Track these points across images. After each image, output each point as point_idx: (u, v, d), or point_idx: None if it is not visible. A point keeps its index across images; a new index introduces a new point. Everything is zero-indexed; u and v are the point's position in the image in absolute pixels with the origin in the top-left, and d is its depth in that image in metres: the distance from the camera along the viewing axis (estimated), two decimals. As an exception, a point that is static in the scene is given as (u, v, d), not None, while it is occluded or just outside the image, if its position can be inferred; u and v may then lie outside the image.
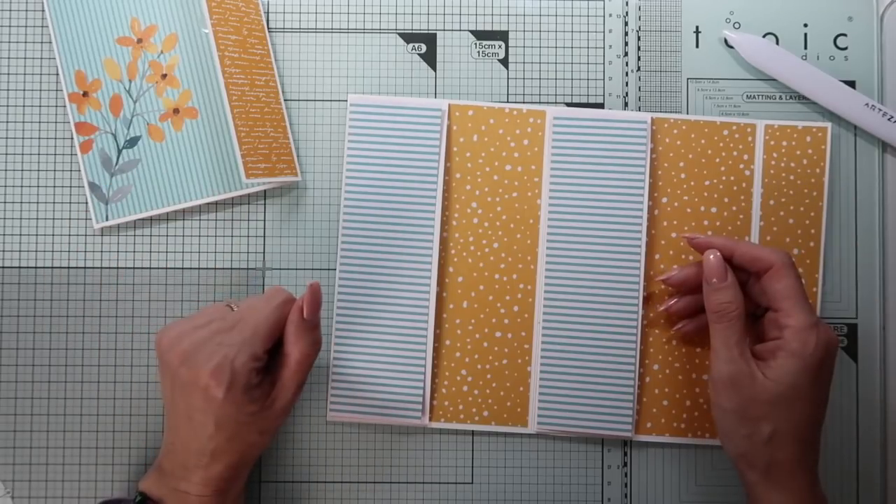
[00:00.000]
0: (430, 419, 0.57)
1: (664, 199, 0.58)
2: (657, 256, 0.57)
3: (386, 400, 0.57)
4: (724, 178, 0.57)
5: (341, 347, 0.57)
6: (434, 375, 0.57)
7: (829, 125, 0.57)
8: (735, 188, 0.57)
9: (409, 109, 0.57)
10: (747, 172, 0.58)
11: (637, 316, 0.56)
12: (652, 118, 0.57)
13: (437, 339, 0.57)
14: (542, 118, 0.58)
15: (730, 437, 0.50)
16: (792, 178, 0.57)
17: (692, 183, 0.57)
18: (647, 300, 0.57)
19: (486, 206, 0.58)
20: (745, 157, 0.57)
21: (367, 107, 0.57)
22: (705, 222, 0.57)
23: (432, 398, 0.57)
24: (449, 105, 0.58)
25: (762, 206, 0.57)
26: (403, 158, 0.57)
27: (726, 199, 0.57)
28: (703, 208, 0.57)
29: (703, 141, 0.57)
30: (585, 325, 0.56)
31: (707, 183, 0.57)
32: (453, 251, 0.57)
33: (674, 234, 0.57)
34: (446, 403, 0.57)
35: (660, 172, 0.58)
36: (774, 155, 0.57)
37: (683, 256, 0.57)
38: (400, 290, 0.57)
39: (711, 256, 0.51)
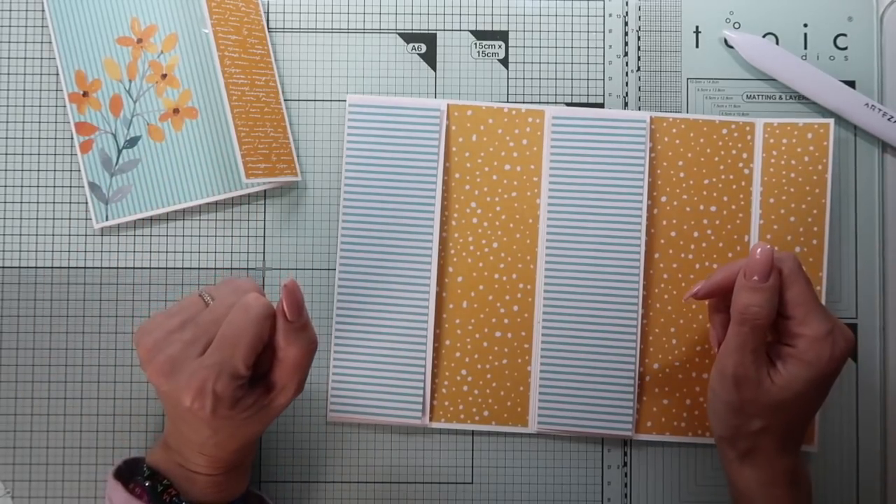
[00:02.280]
0: (431, 419, 0.57)
1: (663, 199, 0.57)
2: (656, 255, 0.57)
3: (386, 400, 0.57)
4: (723, 176, 0.57)
5: (341, 348, 0.57)
6: (434, 375, 0.57)
7: (831, 121, 0.57)
8: (734, 187, 0.57)
9: (407, 109, 0.57)
10: (746, 171, 0.57)
11: (637, 315, 0.56)
12: (651, 117, 0.57)
13: (437, 339, 0.57)
14: (540, 118, 0.58)
15: (718, 420, 0.50)
16: (793, 175, 0.57)
17: (691, 182, 0.57)
18: (647, 299, 0.57)
19: (486, 205, 0.58)
20: (744, 155, 0.57)
21: (365, 107, 0.57)
22: (704, 221, 0.57)
23: (432, 398, 0.57)
24: (448, 105, 0.58)
25: (762, 205, 0.57)
26: (402, 159, 0.57)
27: (725, 198, 0.57)
28: (702, 207, 0.57)
29: (701, 140, 0.57)
30: (585, 325, 0.56)
31: (706, 182, 0.57)
32: (453, 251, 0.57)
33: (673, 233, 0.57)
34: (446, 403, 0.57)
35: (659, 171, 0.58)
36: (774, 153, 0.57)
37: (682, 255, 0.57)
38: (399, 290, 0.57)
39: (759, 251, 0.47)
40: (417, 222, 0.57)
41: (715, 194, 0.57)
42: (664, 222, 0.57)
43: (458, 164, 0.58)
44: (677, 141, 0.58)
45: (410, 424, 0.57)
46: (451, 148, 0.58)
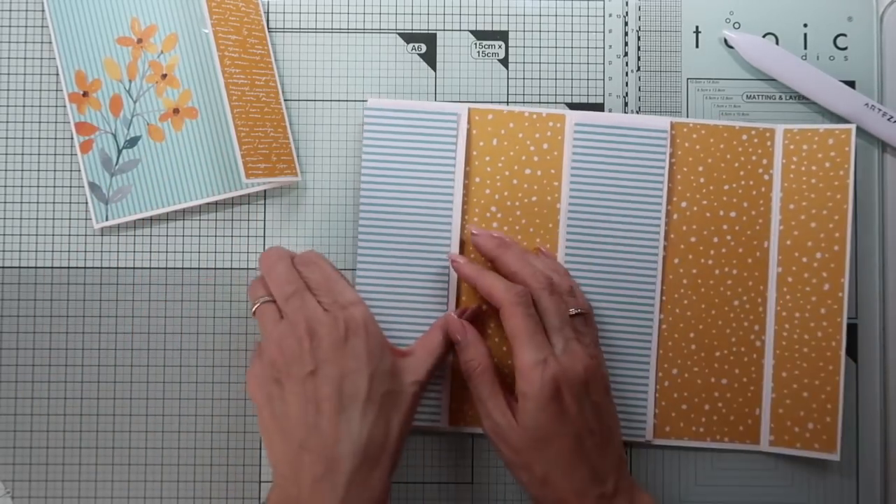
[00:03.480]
0: (449, 423, 0.57)
1: (683, 204, 0.57)
2: (676, 260, 0.57)
3: None
4: (742, 182, 0.57)
5: None
6: (452, 379, 0.57)
7: (853, 126, 0.56)
8: (754, 192, 0.57)
9: (425, 114, 0.57)
10: (766, 177, 0.57)
11: (655, 319, 0.56)
12: (671, 122, 0.57)
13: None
14: (561, 122, 0.57)
15: (519, 481, 0.50)
16: (814, 181, 0.57)
17: (711, 187, 0.57)
18: (666, 304, 0.57)
19: (506, 209, 0.57)
20: (764, 161, 0.57)
21: (383, 111, 0.57)
22: (724, 227, 0.57)
23: (451, 400, 0.57)
24: (469, 109, 0.57)
25: (782, 211, 0.57)
26: (419, 163, 0.57)
27: (745, 204, 0.57)
28: (721, 213, 0.57)
29: (721, 146, 0.57)
30: (604, 328, 0.56)
31: (726, 187, 0.57)
32: (473, 256, 0.57)
33: (693, 239, 0.57)
34: (465, 408, 0.57)
35: (678, 177, 0.57)
36: (794, 159, 0.57)
37: (702, 261, 0.57)
38: (418, 293, 0.56)
39: (451, 314, 0.53)
40: (435, 226, 0.57)
41: (735, 200, 0.57)
42: (684, 227, 0.57)
43: (478, 167, 0.57)
44: (697, 146, 0.57)
45: (431, 428, 0.57)
46: (472, 152, 0.57)
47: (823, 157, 0.56)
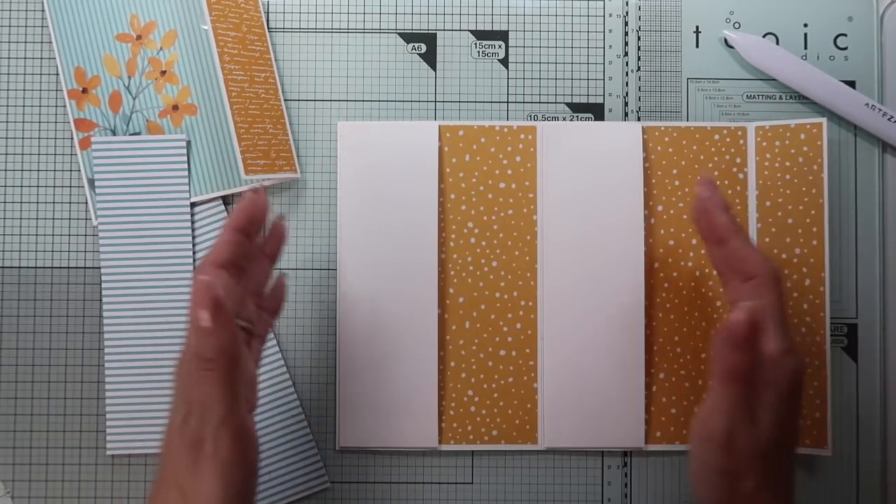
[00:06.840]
0: (440, 441, 0.57)
1: (659, 208, 0.57)
2: (656, 265, 0.57)
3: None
4: (718, 182, 0.57)
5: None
6: (441, 398, 0.57)
7: (823, 120, 0.56)
8: (730, 192, 0.57)
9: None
10: (741, 175, 0.57)
11: (640, 326, 0.56)
12: (643, 127, 0.57)
13: (442, 361, 0.57)
14: (532, 133, 0.57)
15: (707, 489, 0.44)
16: (788, 177, 0.57)
17: (686, 189, 0.57)
18: (649, 309, 0.57)
19: (483, 225, 0.57)
20: (738, 160, 0.57)
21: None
22: (703, 227, 0.57)
23: (440, 420, 0.57)
24: (439, 126, 0.57)
25: (758, 209, 0.57)
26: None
27: None
28: None
29: (694, 147, 0.57)
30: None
31: None
32: (452, 272, 0.57)
33: (671, 242, 0.57)
34: (455, 425, 0.57)
35: (653, 181, 0.57)
36: (767, 156, 0.57)
37: (682, 263, 0.57)
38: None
39: (742, 315, 0.42)
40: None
41: None
42: (662, 231, 0.57)
43: (452, 184, 0.57)
44: (670, 149, 0.57)
45: (422, 448, 0.57)
46: (445, 169, 0.57)
47: (797, 153, 0.56)
